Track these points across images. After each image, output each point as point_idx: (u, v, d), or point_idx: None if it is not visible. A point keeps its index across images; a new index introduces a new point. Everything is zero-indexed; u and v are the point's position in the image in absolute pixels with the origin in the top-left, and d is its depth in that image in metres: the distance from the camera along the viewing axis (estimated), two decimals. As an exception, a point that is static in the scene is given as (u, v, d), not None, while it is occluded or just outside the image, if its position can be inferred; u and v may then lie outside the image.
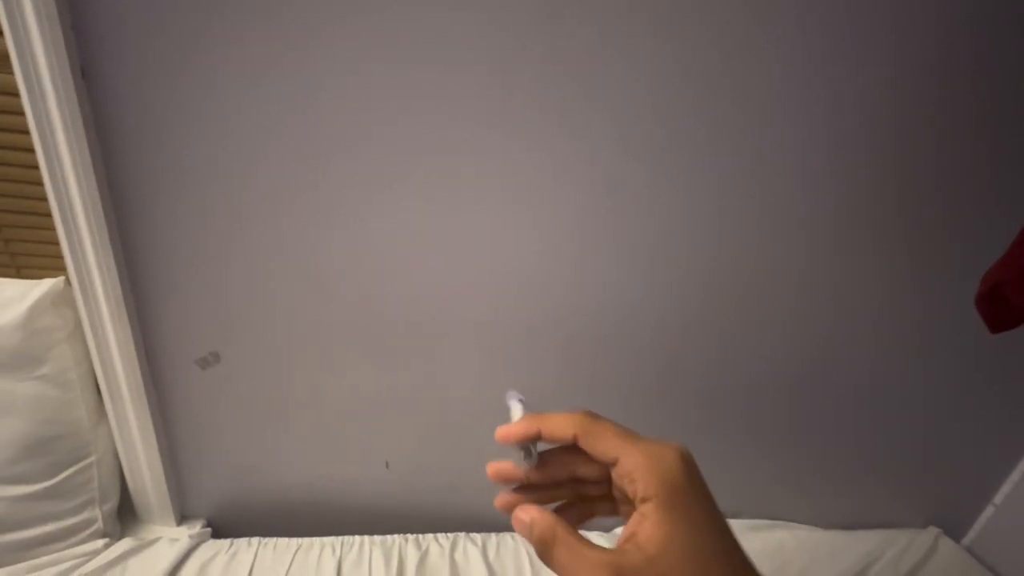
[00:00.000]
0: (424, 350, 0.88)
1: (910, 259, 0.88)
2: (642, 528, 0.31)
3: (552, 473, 0.38)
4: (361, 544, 0.96)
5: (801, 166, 0.79)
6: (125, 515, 0.98)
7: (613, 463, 0.34)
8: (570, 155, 0.75)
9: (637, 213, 0.80)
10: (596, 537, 1.02)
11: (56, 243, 0.74)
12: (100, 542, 0.90)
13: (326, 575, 0.90)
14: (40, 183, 0.70)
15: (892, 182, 0.82)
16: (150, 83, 0.67)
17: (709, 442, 0.99)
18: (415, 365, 0.90)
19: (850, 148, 0.78)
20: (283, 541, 0.95)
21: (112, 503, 0.94)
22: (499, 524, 1.01)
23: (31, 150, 0.68)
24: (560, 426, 0.35)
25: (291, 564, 0.91)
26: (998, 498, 1.12)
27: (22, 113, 0.66)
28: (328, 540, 0.96)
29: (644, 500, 0.32)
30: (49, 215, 0.72)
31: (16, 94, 0.65)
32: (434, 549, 0.96)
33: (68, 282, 0.79)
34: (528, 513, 0.35)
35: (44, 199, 0.71)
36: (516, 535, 1.00)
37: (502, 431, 0.37)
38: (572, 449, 0.36)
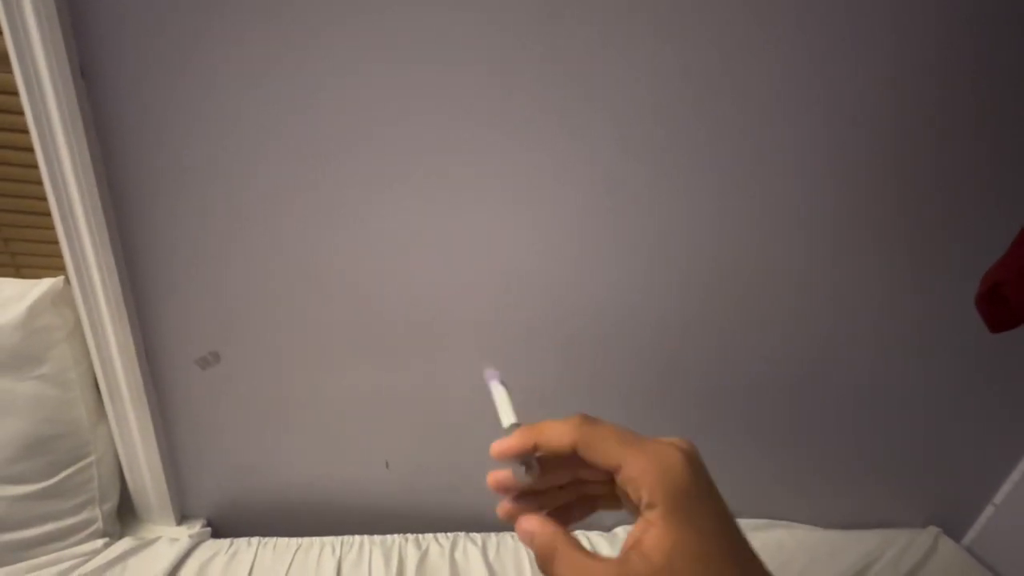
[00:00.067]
0: (424, 350, 0.88)
1: (910, 259, 0.88)
2: (647, 535, 0.30)
3: (553, 479, 0.37)
4: (361, 544, 0.96)
5: (801, 166, 0.79)
6: (125, 515, 0.98)
7: (615, 470, 0.32)
8: (570, 155, 0.75)
9: (637, 213, 0.80)
10: (596, 537, 1.02)
11: (56, 242, 0.74)
12: (100, 542, 0.90)
13: (326, 575, 0.90)
14: (40, 182, 0.70)
15: (892, 182, 0.82)
16: (150, 83, 0.67)
17: (709, 442, 0.98)
18: (415, 365, 0.90)
19: (850, 148, 0.78)
20: (283, 541, 0.95)
21: (112, 503, 0.94)
22: (499, 524, 1.00)
23: (31, 149, 0.68)
24: (557, 437, 0.34)
25: (291, 564, 0.91)
26: (998, 498, 1.12)
27: (21, 112, 0.66)
28: (328, 540, 0.96)
29: (649, 507, 0.31)
30: (49, 214, 0.72)
31: (15, 93, 0.65)
32: (434, 549, 0.96)
33: (68, 281, 0.79)
34: (530, 524, 0.34)
35: (44, 198, 0.71)
36: (516, 535, 1.00)
37: (497, 448, 0.35)
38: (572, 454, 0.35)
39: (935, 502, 1.14)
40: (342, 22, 0.65)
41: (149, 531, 0.98)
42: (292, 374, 0.89)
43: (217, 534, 1.00)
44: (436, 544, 0.97)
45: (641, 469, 0.31)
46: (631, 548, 0.31)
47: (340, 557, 0.93)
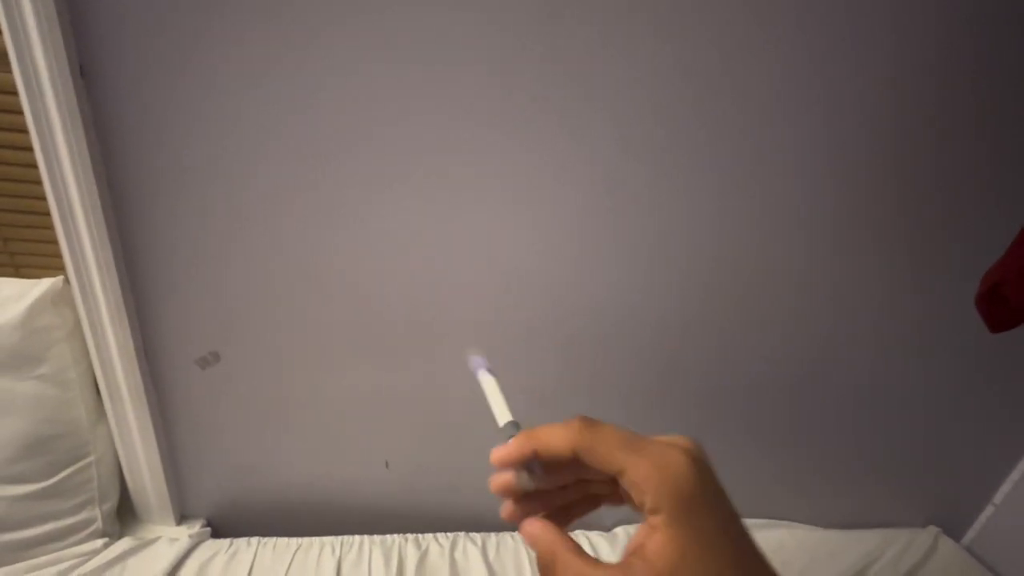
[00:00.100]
0: (424, 350, 0.88)
1: (910, 259, 0.88)
2: (651, 541, 0.29)
3: (557, 479, 0.36)
4: (361, 544, 0.96)
5: (801, 166, 0.79)
6: (124, 515, 0.98)
7: (618, 475, 0.31)
8: (570, 155, 0.75)
9: (637, 213, 0.80)
10: (596, 537, 1.02)
11: (55, 242, 0.74)
12: (99, 542, 0.90)
13: (326, 575, 0.90)
14: (39, 182, 0.70)
15: (892, 182, 0.82)
16: (150, 83, 0.67)
17: (709, 442, 0.98)
18: (415, 365, 0.90)
19: (850, 148, 0.78)
20: (283, 541, 0.95)
21: (111, 502, 0.94)
22: (499, 524, 1.01)
23: (30, 149, 0.68)
24: (556, 443, 0.33)
25: (291, 564, 0.91)
26: (998, 498, 1.12)
27: (21, 112, 0.66)
28: (328, 540, 0.96)
29: (653, 512, 0.30)
30: (48, 214, 0.72)
31: (15, 92, 0.65)
32: (434, 549, 0.96)
33: (67, 281, 0.79)
34: (532, 528, 0.33)
35: (43, 198, 0.71)
36: (516, 535, 1.00)
37: (497, 456, 0.34)
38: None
39: (935, 502, 1.14)
40: (342, 22, 0.65)
41: (149, 531, 0.98)
42: (292, 374, 0.88)
43: (217, 534, 0.99)
44: (436, 544, 0.97)
45: (644, 474, 0.30)
46: (633, 553, 0.30)
47: (340, 557, 0.93)
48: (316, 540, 0.95)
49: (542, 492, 0.37)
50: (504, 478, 0.35)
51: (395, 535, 0.98)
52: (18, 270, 0.85)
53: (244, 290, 0.81)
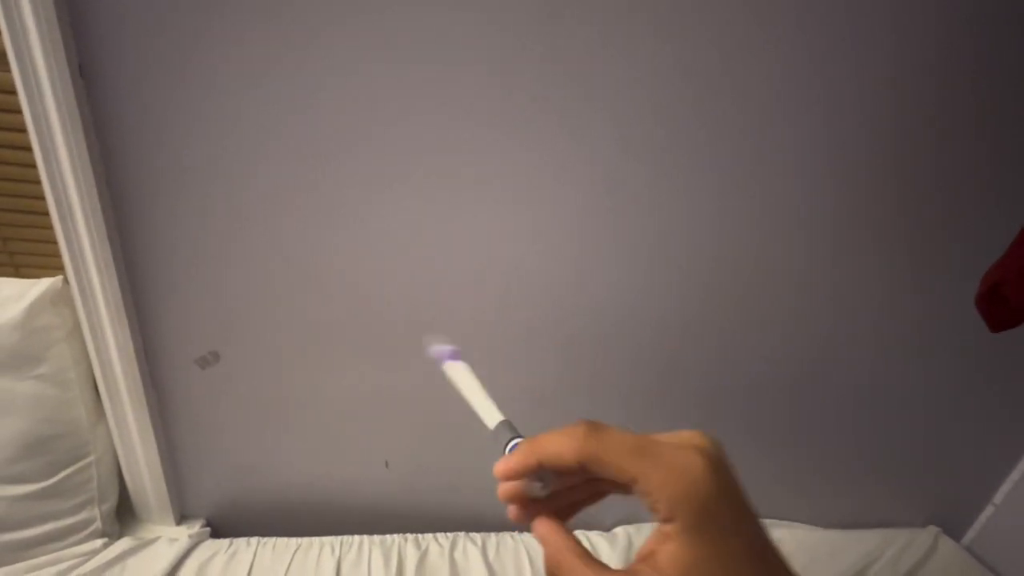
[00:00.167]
0: (424, 350, 0.88)
1: (910, 259, 0.88)
2: (663, 550, 0.28)
3: (565, 481, 0.35)
4: (360, 544, 0.95)
5: (801, 166, 0.79)
6: (124, 515, 0.98)
7: (629, 484, 0.29)
8: (570, 155, 0.75)
9: (637, 213, 0.80)
10: (596, 537, 1.02)
11: (54, 242, 0.74)
12: (99, 542, 0.90)
13: (325, 575, 0.90)
14: (38, 182, 0.70)
15: (892, 182, 0.82)
16: (149, 83, 0.67)
17: (709, 442, 0.99)
18: (415, 365, 0.90)
19: (850, 148, 0.78)
20: (282, 541, 0.95)
21: (111, 503, 0.94)
22: (499, 524, 1.01)
23: (29, 149, 0.68)
24: (560, 453, 0.31)
25: (290, 564, 0.91)
26: (998, 497, 1.12)
27: (19, 111, 0.66)
28: (327, 540, 0.96)
29: (667, 520, 0.28)
30: (47, 214, 0.72)
31: (13, 92, 0.65)
32: (434, 549, 0.96)
33: (66, 281, 0.79)
34: (542, 528, 0.32)
35: (42, 198, 0.71)
36: (516, 535, 1.00)
37: (502, 469, 0.33)
38: None
39: (935, 502, 1.14)
40: (342, 22, 0.65)
41: (148, 531, 0.98)
42: (292, 374, 0.88)
43: (216, 534, 0.99)
44: (436, 544, 0.97)
45: (659, 482, 0.28)
46: (643, 560, 0.29)
47: (339, 557, 0.93)
48: (316, 540, 0.95)
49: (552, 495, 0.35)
50: (511, 487, 0.34)
51: (395, 535, 0.98)
52: (17, 270, 0.85)
53: (244, 290, 0.81)
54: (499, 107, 0.71)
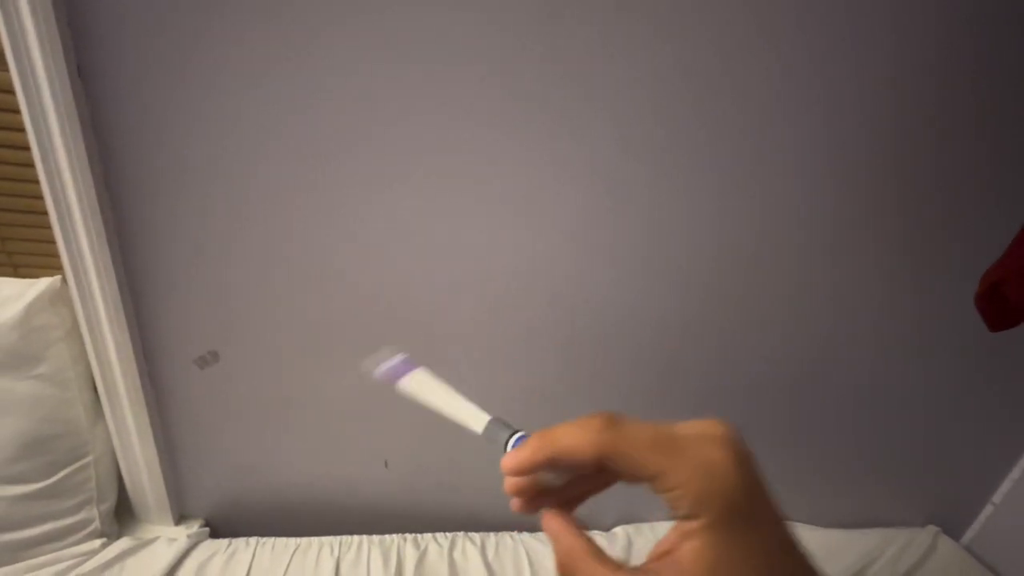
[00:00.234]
0: (424, 350, 0.88)
1: (910, 259, 0.88)
2: (685, 548, 0.26)
3: (576, 472, 0.33)
4: (360, 544, 0.95)
5: (801, 166, 0.79)
6: (123, 515, 0.98)
7: (651, 480, 0.28)
8: (570, 155, 0.75)
9: (637, 213, 0.80)
10: (595, 536, 1.02)
11: (53, 242, 0.74)
12: (98, 542, 0.90)
13: (324, 575, 0.90)
14: (36, 181, 0.70)
15: (892, 182, 0.82)
16: (148, 82, 0.67)
17: (708, 442, 0.99)
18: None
19: (850, 148, 0.78)
20: (281, 541, 0.94)
21: (110, 503, 0.93)
22: (498, 523, 1.01)
23: (27, 148, 0.68)
24: (577, 448, 0.29)
25: (289, 564, 0.91)
26: (997, 497, 1.13)
27: (18, 111, 0.66)
28: (326, 540, 0.96)
29: (690, 517, 0.27)
30: (46, 214, 0.72)
31: (12, 91, 0.65)
32: (433, 549, 0.96)
33: (65, 281, 0.79)
34: (551, 525, 0.31)
35: (41, 198, 0.71)
36: (515, 535, 1.00)
37: (511, 464, 0.30)
38: None
39: (934, 501, 1.14)
40: (342, 22, 0.65)
41: (147, 531, 0.97)
42: (291, 374, 0.88)
43: (215, 534, 0.99)
44: (435, 544, 0.97)
45: (684, 479, 0.27)
46: (662, 557, 0.28)
47: (338, 557, 0.93)
48: (315, 540, 0.95)
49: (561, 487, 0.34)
50: (520, 481, 0.32)
51: (394, 535, 0.98)
52: (16, 270, 0.84)
53: (243, 289, 0.81)
54: (499, 107, 0.71)
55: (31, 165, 0.69)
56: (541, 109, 0.72)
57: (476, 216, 0.78)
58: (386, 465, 1.00)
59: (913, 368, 0.98)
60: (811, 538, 1.08)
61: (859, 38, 0.71)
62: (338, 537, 0.96)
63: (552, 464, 0.30)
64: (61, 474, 0.85)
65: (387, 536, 0.97)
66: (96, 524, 0.91)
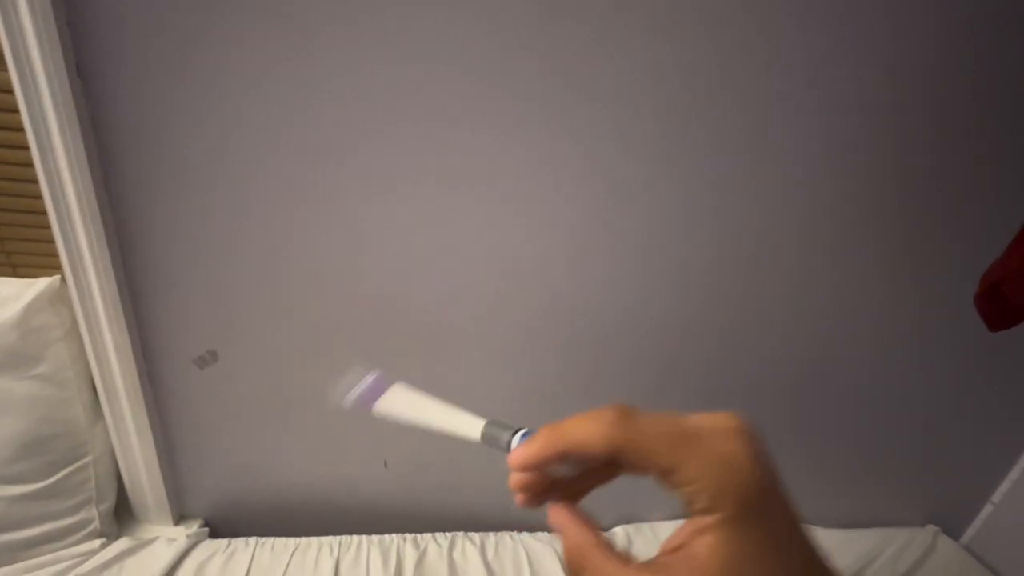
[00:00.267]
0: (424, 350, 0.88)
1: (910, 259, 0.88)
2: (699, 543, 0.26)
3: (587, 464, 0.32)
4: (359, 544, 0.95)
5: (801, 166, 0.79)
6: (122, 515, 0.98)
7: (666, 474, 0.27)
8: (570, 155, 0.75)
9: (637, 213, 0.80)
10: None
11: (52, 242, 0.74)
12: (97, 542, 0.90)
13: (324, 575, 0.90)
14: (36, 181, 0.70)
15: (892, 182, 0.82)
16: (148, 82, 0.66)
17: (708, 442, 0.99)
18: (415, 365, 0.89)
19: (850, 148, 0.78)
20: (281, 541, 0.94)
21: (109, 503, 0.93)
22: (497, 523, 1.01)
23: (26, 148, 0.68)
24: (589, 441, 0.28)
25: (288, 564, 0.91)
26: (996, 496, 1.13)
27: (16, 110, 0.66)
28: (326, 540, 0.96)
29: (706, 512, 0.26)
30: (45, 214, 0.72)
31: (10, 91, 0.65)
32: (432, 549, 0.96)
33: (64, 281, 0.79)
34: (559, 518, 0.30)
35: (40, 197, 0.71)
36: (514, 535, 1.00)
37: (520, 459, 0.29)
38: None
39: (934, 501, 1.14)
40: (342, 22, 0.65)
41: (146, 531, 0.97)
42: (291, 374, 0.88)
43: (215, 534, 0.99)
44: (434, 544, 0.97)
45: (701, 472, 0.26)
46: (674, 552, 0.27)
47: (338, 557, 0.92)
48: (314, 540, 0.95)
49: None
50: (526, 477, 0.30)
51: (393, 535, 0.98)
52: (15, 270, 0.84)
53: (243, 289, 0.81)
54: (499, 107, 0.71)
55: (30, 165, 0.69)
56: (541, 109, 0.72)
57: (476, 216, 0.78)
58: (385, 465, 1.00)
59: (913, 368, 0.98)
60: (811, 538, 1.08)
61: (859, 38, 0.71)
62: (337, 537, 0.96)
63: (562, 458, 0.29)
64: (60, 474, 0.85)
65: (386, 536, 0.97)
66: (95, 524, 0.91)
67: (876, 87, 0.74)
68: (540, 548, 0.97)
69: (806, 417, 1.01)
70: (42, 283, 0.78)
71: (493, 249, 0.81)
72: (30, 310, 0.77)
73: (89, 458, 0.88)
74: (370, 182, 0.75)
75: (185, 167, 0.71)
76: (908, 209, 0.84)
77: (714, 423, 0.28)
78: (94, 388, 0.86)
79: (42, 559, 0.86)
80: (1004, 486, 1.12)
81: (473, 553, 0.96)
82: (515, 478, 0.31)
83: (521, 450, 0.29)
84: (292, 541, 0.94)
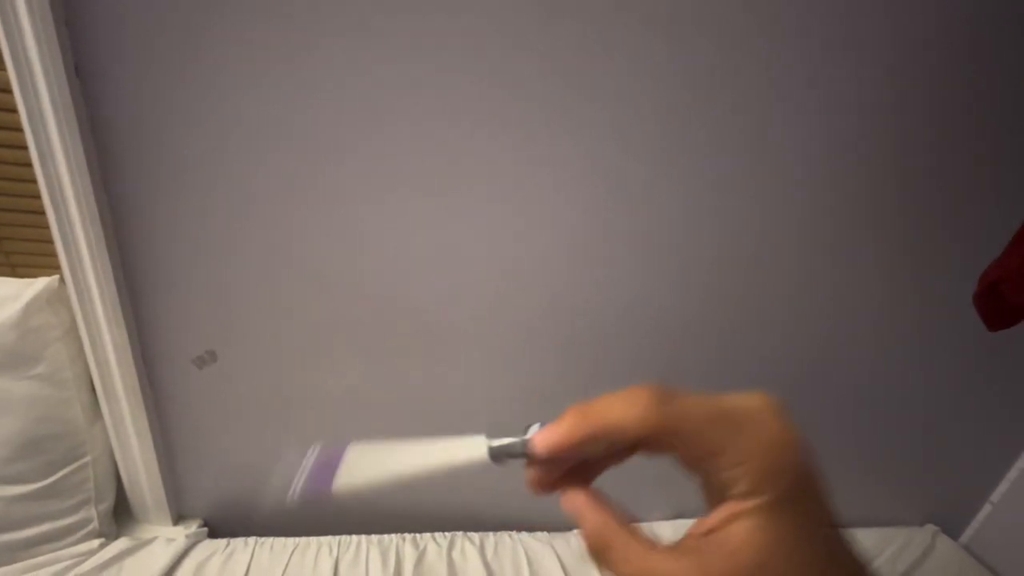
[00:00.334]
0: (424, 350, 0.88)
1: (910, 259, 0.88)
2: (736, 528, 0.25)
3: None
4: (358, 544, 0.95)
5: (801, 166, 0.79)
6: (121, 515, 0.98)
7: (708, 457, 0.25)
8: (570, 155, 0.75)
9: (637, 213, 0.80)
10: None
11: (51, 242, 0.74)
12: (96, 542, 0.90)
13: (323, 575, 0.89)
14: (34, 181, 0.70)
15: (892, 182, 0.81)
16: (147, 82, 0.66)
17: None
18: (415, 365, 0.89)
19: (850, 148, 0.78)
20: (280, 541, 0.94)
21: (108, 503, 0.93)
22: (497, 523, 1.01)
23: (25, 147, 0.68)
24: (624, 423, 0.26)
25: (288, 564, 0.90)
26: (995, 496, 1.13)
27: (15, 110, 0.66)
28: (325, 540, 0.95)
29: (747, 496, 0.25)
30: (44, 213, 0.72)
31: (9, 91, 0.65)
32: (432, 549, 0.96)
33: (63, 281, 0.78)
34: (577, 503, 0.28)
35: (39, 197, 0.71)
36: (514, 535, 0.99)
37: (546, 443, 0.27)
38: None
39: (933, 501, 1.14)
40: (342, 22, 0.65)
41: (145, 531, 0.97)
42: (291, 373, 0.88)
43: (214, 534, 0.99)
44: (434, 544, 0.97)
45: (747, 455, 0.25)
46: (705, 536, 0.26)
47: (337, 557, 0.92)
48: (313, 540, 0.95)
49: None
50: (545, 462, 0.28)
51: (392, 535, 0.97)
52: (14, 269, 0.84)
53: (242, 289, 0.80)
54: (499, 107, 0.71)
55: (29, 165, 0.69)
56: (541, 109, 0.72)
57: (476, 216, 0.78)
58: (385, 465, 0.99)
59: (913, 368, 0.98)
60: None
61: (859, 38, 0.71)
62: (336, 537, 0.96)
63: (593, 442, 0.27)
64: (59, 474, 0.85)
65: (386, 536, 0.97)
66: (94, 524, 0.90)
67: (876, 87, 0.74)
68: (539, 548, 0.97)
69: (806, 417, 1.00)
70: (41, 283, 0.78)
71: (493, 249, 0.81)
72: (29, 310, 0.77)
73: (88, 458, 0.88)
74: (370, 182, 0.75)
75: (185, 167, 0.71)
76: (908, 209, 0.84)
77: (751, 403, 0.26)
78: (93, 388, 0.86)
79: (41, 559, 0.86)
80: (1003, 486, 1.12)
81: (472, 553, 0.96)
82: (533, 465, 0.29)
83: (548, 433, 0.27)
84: (291, 541, 0.94)
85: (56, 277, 0.79)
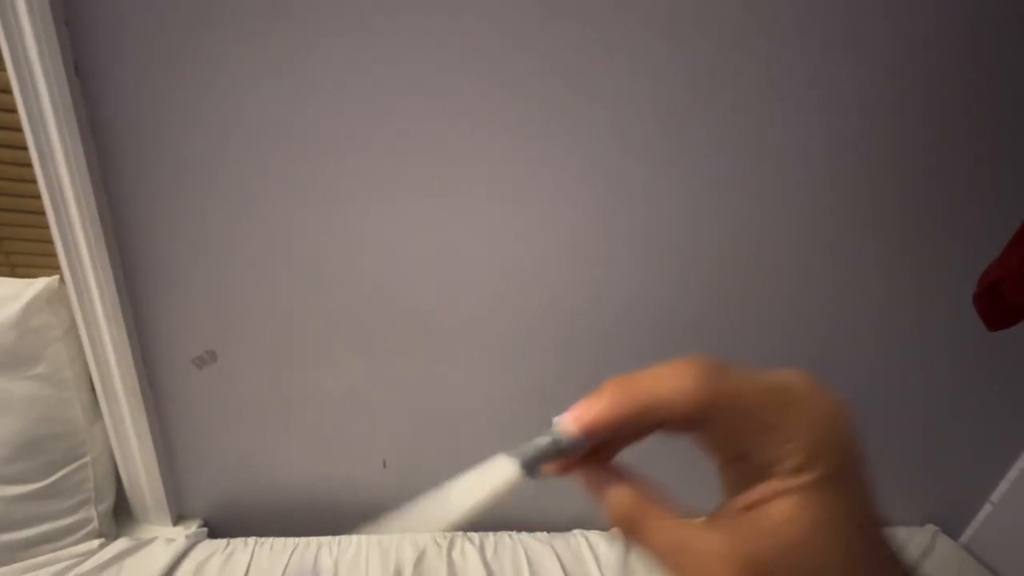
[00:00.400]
0: (424, 350, 0.88)
1: (910, 259, 0.88)
2: (777, 505, 0.23)
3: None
4: (358, 544, 0.95)
5: (801, 166, 0.79)
6: (121, 515, 0.98)
7: (762, 432, 0.24)
8: (570, 155, 0.75)
9: (637, 213, 0.80)
10: (595, 536, 1.02)
11: (51, 242, 0.74)
12: (96, 542, 0.90)
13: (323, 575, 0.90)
14: (34, 181, 0.70)
15: (892, 182, 0.81)
16: (147, 82, 0.66)
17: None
18: (414, 365, 0.89)
19: (850, 148, 0.78)
20: (280, 541, 0.94)
21: (108, 503, 0.93)
22: (497, 523, 1.01)
23: (24, 148, 0.68)
24: (676, 399, 0.24)
25: (288, 564, 0.90)
26: (995, 496, 1.13)
27: (15, 110, 0.66)
28: (325, 540, 0.95)
29: (793, 473, 0.23)
30: (43, 214, 0.72)
31: (9, 91, 0.65)
32: (431, 549, 0.96)
33: (62, 281, 0.78)
34: (599, 478, 0.26)
35: (38, 197, 0.71)
36: (513, 534, 0.99)
37: (587, 418, 0.25)
38: None
39: (933, 501, 1.14)
40: (343, 22, 0.65)
41: (145, 531, 0.97)
42: (290, 374, 0.88)
43: (214, 534, 0.99)
44: (433, 544, 0.97)
45: (801, 430, 0.23)
46: (745, 511, 0.24)
47: (337, 557, 0.92)
48: (313, 540, 0.95)
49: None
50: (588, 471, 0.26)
51: (392, 535, 0.97)
52: (13, 269, 0.84)
53: (242, 289, 0.80)
54: (499, 107, 0.71)
55: (28, 165, 0.69)
56: (541, 109, 0.72)
57: (476, 216, 0.78)
58: (384, 465, 0.99)
59: (913, 368, 0.98)
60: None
61: (859, 38, 0.71)
62: (336, 537, 0.96)
63: (637, 419, 0.25)
64: (59, 474, 0.85)
65: (385, 536, 0.97)
66: (94, 524, 0.90)
67: (876, 87, 0.74)
68: (539, 548, 0.97)
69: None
70: (41, 283, 0.78)
71: (493, 249, 0.81)
72: (29, 310, 0.77)
73: (88, 458, 0.88)
74: (370, 182, 0.75)
75: (185, 167, 0.71)
76: (908, 209, 0.84)
77: (797, 380, 0.25)
78: (93, 388, 0.86)
79: (41, 559, 0.86)
80: (1003, 486, 1.12)
81: (472, 553, 0.96)
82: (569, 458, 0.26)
83: (584, 410, 0.25)
84: (291, 541, 0.94)
85: (56, 277, 0.79)
